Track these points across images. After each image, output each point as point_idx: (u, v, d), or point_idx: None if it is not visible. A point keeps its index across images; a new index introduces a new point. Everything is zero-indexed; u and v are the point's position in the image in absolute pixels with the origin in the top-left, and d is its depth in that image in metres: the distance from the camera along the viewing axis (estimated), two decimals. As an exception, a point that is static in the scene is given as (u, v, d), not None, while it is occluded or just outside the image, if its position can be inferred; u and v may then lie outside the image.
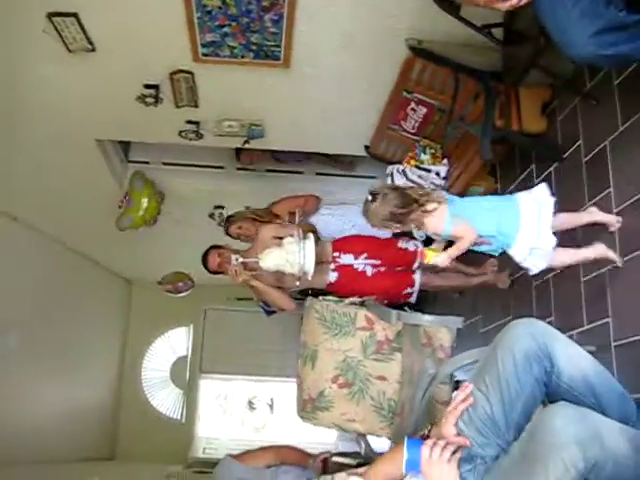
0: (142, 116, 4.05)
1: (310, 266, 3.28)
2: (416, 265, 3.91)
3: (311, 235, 3.41)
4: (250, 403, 9.19)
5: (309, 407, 3.23)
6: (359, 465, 2.31)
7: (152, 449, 7.14)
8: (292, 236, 3.39)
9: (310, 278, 3.41)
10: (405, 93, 3.75)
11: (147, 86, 3.81)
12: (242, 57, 3.52)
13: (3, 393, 4.84)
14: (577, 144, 3.13)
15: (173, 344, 8.29)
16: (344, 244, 3.93)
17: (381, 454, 2.26)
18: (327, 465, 3.26)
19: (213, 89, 3.92)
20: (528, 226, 2.66)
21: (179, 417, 7.98)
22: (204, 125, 4.26)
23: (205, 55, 3.50)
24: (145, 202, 5.14)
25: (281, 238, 3.59)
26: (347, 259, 3.87)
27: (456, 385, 2.85)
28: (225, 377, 8.17)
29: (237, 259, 3.62)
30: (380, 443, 3.22)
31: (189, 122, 4.24)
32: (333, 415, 3.18)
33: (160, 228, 5.64)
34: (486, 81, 3.38)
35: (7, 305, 4.88)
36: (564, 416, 1.62)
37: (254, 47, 3.45)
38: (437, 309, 4.59)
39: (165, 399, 8.09)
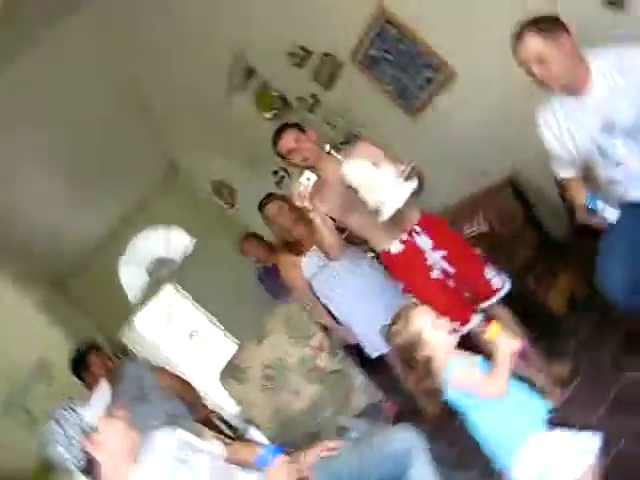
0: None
1: (391, 208, 2.60)
2: (482, 306, 2.96)
3: (416, 181, 2.71)
4: (192, 333, 9.55)
5: (230, 372, 3.58)
6: (229, 437, 2.63)
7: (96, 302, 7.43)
8: (399, 168, 2.66)
9: (380, 221, 2.68)
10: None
11: (302, 48, 4.22)
12: (387, 84, 3.86)
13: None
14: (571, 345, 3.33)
15: (172, 241, 8.65)
16: (432, 225, 2.98)
17: (250, 441, 2.61)
18: (208, 420, 3.62)
19: (347, 91, 4.29)
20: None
21: (132, 297, 8.29)
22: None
23: (360, 62, 3.87)
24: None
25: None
26: (425, 243, 2.92)
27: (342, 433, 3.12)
28: (187, 298, 8.50)
29: (308, 178, 2.78)
30: (257, 435, 3.54)
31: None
32: (242, 390, 3.55)
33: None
34: (549, 243, 3.66)
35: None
36: None
37: (399, 85, 3.80)
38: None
39: (132, 275, 8.44)
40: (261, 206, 3.78)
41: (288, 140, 2.96)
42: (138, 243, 8.39)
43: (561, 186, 2.76)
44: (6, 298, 4.88)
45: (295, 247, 3.60)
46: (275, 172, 6.10)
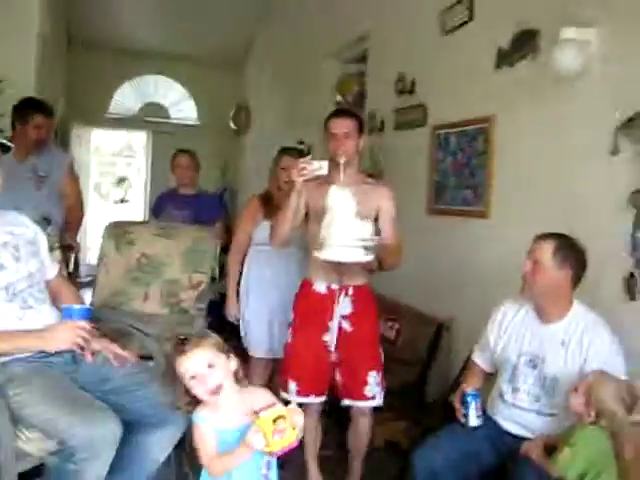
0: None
1: (327, 255, 2.51)
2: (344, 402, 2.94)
3: (373, 259, 2.63)
4: (121, 180, 9.49)
5: (117, 232, 3.61)
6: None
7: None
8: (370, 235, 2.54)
9: (313, 255, 2.63)
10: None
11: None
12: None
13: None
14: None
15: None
16: (363, 299, 2.92)
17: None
18: (67, 249, 3.60)
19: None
20: None
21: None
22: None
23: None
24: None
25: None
26: (344, 306, 2.86)
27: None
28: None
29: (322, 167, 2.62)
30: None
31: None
32: (112, 256, 3.58)
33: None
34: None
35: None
36: None
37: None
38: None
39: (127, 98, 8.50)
40: (283, 150, 3.59)
41: (343, 126, 2.78)
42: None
43: (466, 362, 2.87)
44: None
45: (269, 205, 3.41)
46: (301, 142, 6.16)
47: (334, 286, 2.83)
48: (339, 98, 5.62)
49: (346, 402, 2.88)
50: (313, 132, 5.25)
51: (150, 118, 9.06)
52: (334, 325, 2.83)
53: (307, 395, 2.84)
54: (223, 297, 3.58)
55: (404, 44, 4.50)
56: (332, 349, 2.84)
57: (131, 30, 7.94)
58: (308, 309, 2.89)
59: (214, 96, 8.79)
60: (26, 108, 3.74)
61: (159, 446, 2.25)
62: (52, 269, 2.48)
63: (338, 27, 5.55)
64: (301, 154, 3.51)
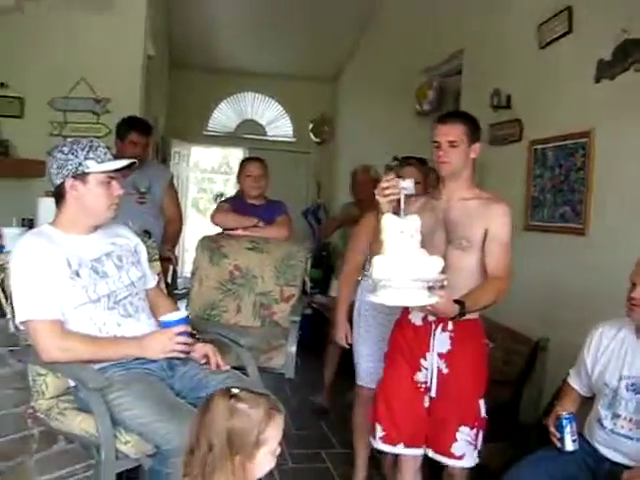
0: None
1: (387, 300, 2.08)
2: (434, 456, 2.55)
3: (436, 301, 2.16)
4: (218, 196, 9.77)
5: (211, 245, 3.73)
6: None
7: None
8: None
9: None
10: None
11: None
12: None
13: None
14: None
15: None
16: (465, 337, 2.50)
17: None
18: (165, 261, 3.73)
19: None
20: None
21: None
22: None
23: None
24: None
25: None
26: (441, 342, 2.47)
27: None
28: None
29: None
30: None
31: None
32: (204, 268, 3.71)
33: None
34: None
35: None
36: None
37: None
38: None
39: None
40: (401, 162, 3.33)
41: (447, 134, 2.40)
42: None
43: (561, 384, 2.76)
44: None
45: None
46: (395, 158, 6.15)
47: (431, 317, 2.41)
48: (418, 107, 5.64)
49: (430, 454, 2.49)
50: (407, 147, 5.25)
51: (246, 135, 9.29)
52: (430, 364, 2.44)
53: (394, 443, 2.49)
54: (316, 312, 3.60)
55: (499, 59, 4.45)
56: (432, 393, 2.45)
57: (229, 50, 8.19)
58: (402, 342, 2.54)
59: (310, 112, 8.93)
60: (124, 126, 3.94)
61: None
62: (152, 279, 2.60)
63: (435, 42, 5.54)
64: (423, 164, 3.23)
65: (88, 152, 2.25)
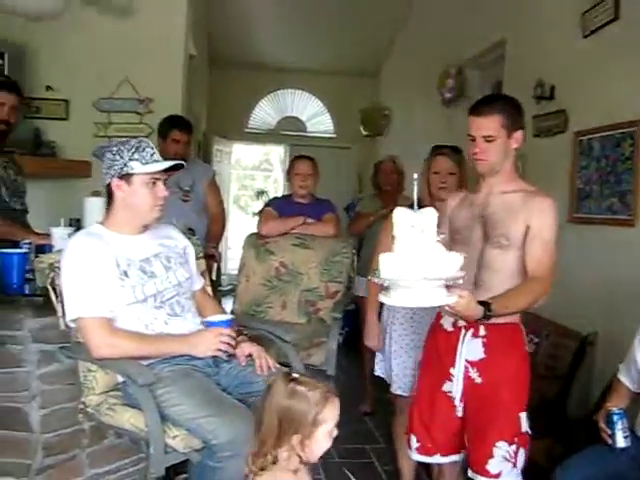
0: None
1: (402, 301, 1.91)
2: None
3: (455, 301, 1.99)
4: (260, 193, 9.85)
5: (256, 243, 3.75)
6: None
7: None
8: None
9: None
10: None
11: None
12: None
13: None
14: None
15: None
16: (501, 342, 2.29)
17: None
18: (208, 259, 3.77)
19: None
20: None
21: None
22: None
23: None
24: None
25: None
26: (474, 349, 2.26)
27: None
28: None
29: None
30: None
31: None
32: (250, 265, 3.73)
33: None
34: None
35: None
36: None
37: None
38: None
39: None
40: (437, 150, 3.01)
41: (482, 127, 2.19)
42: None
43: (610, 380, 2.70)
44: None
45: None
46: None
47: (462, 322, 2.20)
48: (440, 97, 5.62)
49: (469, 473, 2.26)
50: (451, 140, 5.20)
51: (287, 132, 9.32)
52: (458, 372, 2.23)
53: (430, 454, 2.35)
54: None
55: (542, 48, 4.38)
56: (456, 403, 2.26)
57: (268, 47, 8.23)
58: (433, 349, 2.36)
59: (350, 107, 8.91)
60: (165, 125, 3.99)
61: None
62: (199, 281, 2.64)
63: (475, 33, 5.48)
64: (457, 153, 3.07)
65: (133, 153, 2.29)
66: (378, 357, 3.05)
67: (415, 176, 1.97)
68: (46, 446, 2.66)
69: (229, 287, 4.06)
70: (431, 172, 2.91)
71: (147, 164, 2.30)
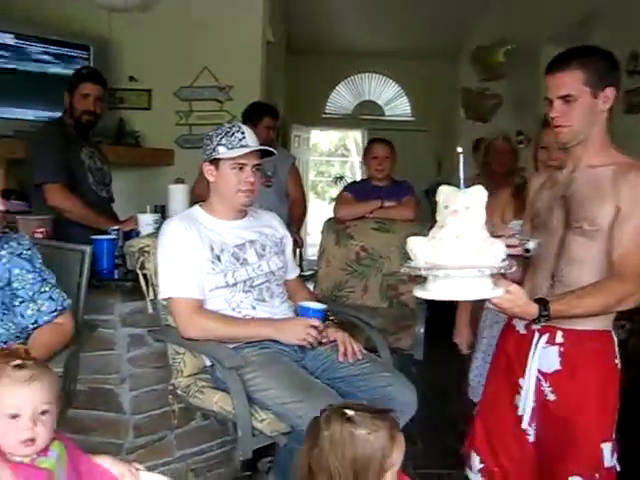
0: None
1: (440, 294, 1.61)
2: None
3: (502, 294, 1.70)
4: (338, 178, 9.85)
5: (336, 227, 3.73)
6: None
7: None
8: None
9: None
10: None
11: None
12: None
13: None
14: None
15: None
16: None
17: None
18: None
19: None
20: None
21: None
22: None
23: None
24: None
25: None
26: (550, 359, 1.90)
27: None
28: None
29: None
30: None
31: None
32: (330, 249, 3.72)
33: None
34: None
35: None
36: None
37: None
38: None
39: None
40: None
41: (558, 87, 1.84)
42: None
43: None
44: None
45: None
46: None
47: (535, 325, 1.83)
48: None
49: None
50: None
51: (365, 116, 9.26)
52: (527, 385, 1.88)
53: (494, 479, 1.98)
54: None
55: (635, 20, 4.16)
56: (526, 424, 1.89)
57: (345, 31, 8.16)
58: (502, 355, 2.03)
59: (429, 89, 8.76)
60: (255, 111, 4.00)
61: None
62: (293, 272, 2.64)
63: (562, 7, 5.27)
64: None
65: (222, 138, 2.32)
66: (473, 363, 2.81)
67: (459, 150, 1.78)
68: (137, 427, 2.74)
69: (309, 272, 4.06)
70: (539, 147, 2.62)
71: (233, 149, 2.31)
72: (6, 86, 4.25)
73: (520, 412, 1.89)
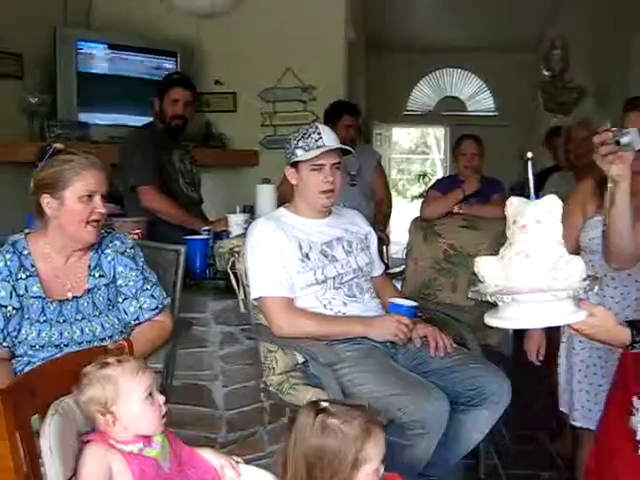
0: None
1: (514, 324, 1.45)
2: None
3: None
4: (421, 176, 9.77)
5: (422, 225, 3.69)
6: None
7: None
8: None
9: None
10: None
11: None
12: None
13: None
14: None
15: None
16: None
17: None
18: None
19: None
20: None
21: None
22: None
23: None
24: None
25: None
26: None
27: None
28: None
29: None
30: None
31: None
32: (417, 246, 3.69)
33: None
34: None
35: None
36: None
37: None
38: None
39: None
40: None
41: None
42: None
43: None
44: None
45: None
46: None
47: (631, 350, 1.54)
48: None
49: None
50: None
51: (447, 112, 9.15)
52: None
53: None
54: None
55: None
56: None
57: (424, 28, 8.10)
58: (619, 373, 1.84)
59: (512, 82, 8.58)
60: (334, 110, 4.03)
61: (475, 427, 2.27)
62: (379, 268, 2.64)
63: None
64: None
65: (299, 141, 2.35)
66: (561, 387, 2.46)
67: (529, 155, 1.51)
68: (229, 422, 2.81)
69: (395, 269, 4.03)
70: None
71: (310, 150, 2.33)
72: (100, 93, 4.45)
73: (638, 437, 1.65)
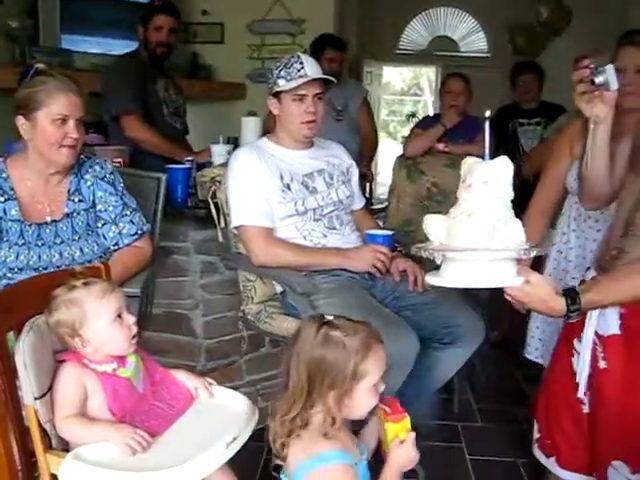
0: None
1: (450, 281, 1.44)
2: None
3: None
4: (410, 115, 9.71)
5: (407, 164, 3.67)
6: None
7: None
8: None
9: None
10: None
11: None
12: None
13: None
14: None
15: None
16: None
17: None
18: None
19: None
20: None
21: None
22: None
23: None
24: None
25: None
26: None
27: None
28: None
29: None
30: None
31: None
32: (401, 183, 3.68)
33: None
34: None
35: None
36: None
37: None
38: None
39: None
40: None
41: None
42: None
43: None
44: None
45: None
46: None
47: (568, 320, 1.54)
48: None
49: None
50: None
51: (439, 52, 9.00)
52: (584, 348, 1.62)
53: (548, 454, 1.76)
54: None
55: None
56: (581, 393, 1.64)
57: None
58: None
59: (506, 24, 8.43)
60: (318, 44, 3.97)
61: (448, 363, 2.32)
62: (359, 201, 2.64)
63: None
64: None
65: (281, 70, 2.33)
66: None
67: (487, 113, 1.47)
68: (208, 350, 2.85)
69: (379, 205, 4.04)
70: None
71: (291, 80, 2.31)
72: (85, 16, 4.29)
73: (577, 379, 1.65)
